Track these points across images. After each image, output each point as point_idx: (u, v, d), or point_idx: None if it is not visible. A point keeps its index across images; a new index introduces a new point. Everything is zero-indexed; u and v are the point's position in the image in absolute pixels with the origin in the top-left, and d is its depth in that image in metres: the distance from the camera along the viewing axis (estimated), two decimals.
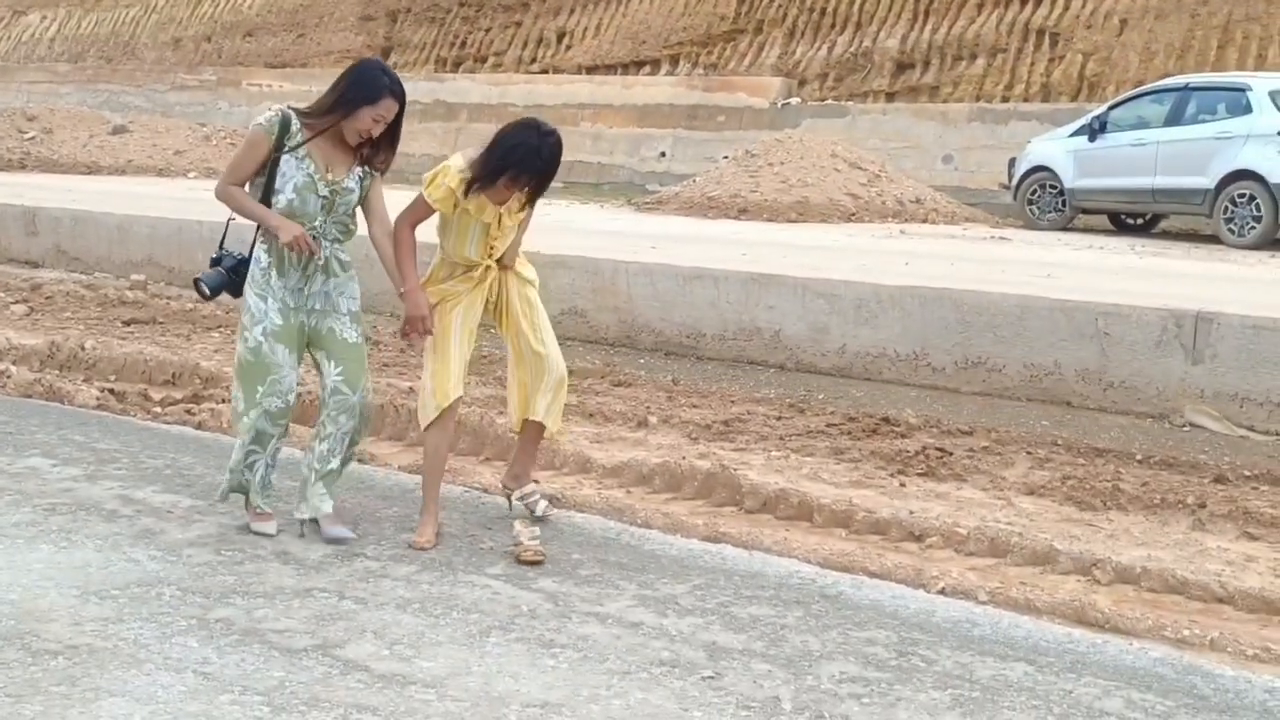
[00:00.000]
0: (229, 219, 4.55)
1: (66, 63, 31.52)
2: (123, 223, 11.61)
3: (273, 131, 4.30)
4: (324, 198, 4.35)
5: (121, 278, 11.02)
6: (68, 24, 33.23)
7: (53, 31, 33.32)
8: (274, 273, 4.35)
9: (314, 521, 4.49)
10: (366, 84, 4.29)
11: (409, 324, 4.47)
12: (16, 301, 9.78)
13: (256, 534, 4.46)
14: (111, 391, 6.79)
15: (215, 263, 4.49)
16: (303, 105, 4.44)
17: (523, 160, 4.33)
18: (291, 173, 4.31)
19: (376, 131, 4.31)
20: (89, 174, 18.67)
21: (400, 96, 4.32)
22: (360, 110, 4.27)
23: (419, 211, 4.49)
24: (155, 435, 5.96)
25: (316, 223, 4.36)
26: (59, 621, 3.61)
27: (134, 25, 32.02)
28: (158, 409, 6.54)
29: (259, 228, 4.38)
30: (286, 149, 4.30)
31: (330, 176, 4.36)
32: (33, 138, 20.32)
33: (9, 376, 6.94)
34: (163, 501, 4.82)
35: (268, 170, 4.31)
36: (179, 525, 4.55)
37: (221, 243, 4.58)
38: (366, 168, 4.44)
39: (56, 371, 7.32)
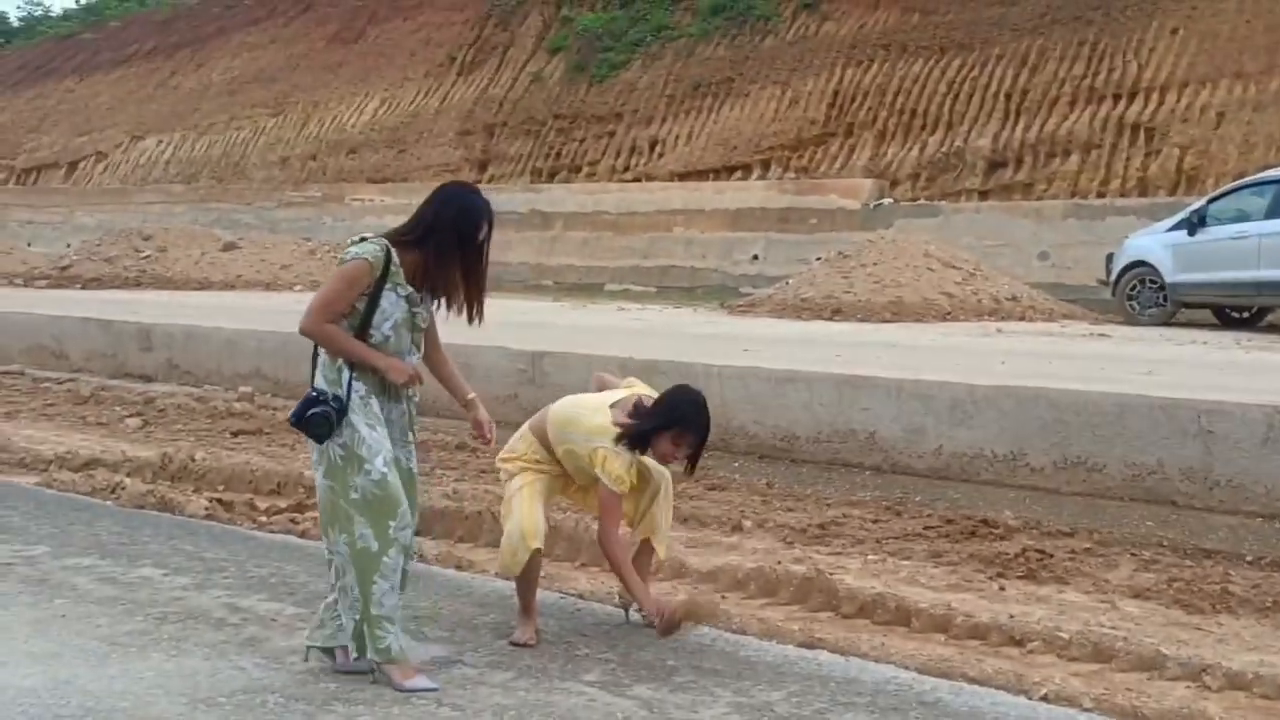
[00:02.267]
0: (315, 354, 4.21)
1: (181, 184, 32.91)
2: (232, 337, 12.02)
3: (379, 264, 4.07)
4: (415, 331, 4.21)
5: (230, 390, 11.37)
6: (182, 147, 34.75)
7: (168, 154, 34.86)
8: (372, 400, 4.14)
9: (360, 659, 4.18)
10: (471, 219, 4.14)
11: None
12: (131, 415, 10.15)
13: (418, 691, 4.04)
14: (220, 501, 6.99)
15: (315, 400, 4.10)
16: (378, 234, 4.22)
17: (691, 419, 4.55)
18: (391, 309, 4.11)
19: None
20: (200, 289, 19.38)
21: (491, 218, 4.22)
22: (467, 238, 4.13)
23: (613, 509, 4.56)
24: (261, 544, 6.11)
25: (410, 358, 4.22)
26: None
27: (244, 146, 33.38)
28: (263, 518, 6.71)
29: (322, 355, 4.13)
30: (390, 282, 4.09)
31: (421, 310, 4.21)
32: (148, 256, 21.18)
33: (123, 488, 7.18)
34: (268, 609, 4.93)
35: (365, 303, 4.09)
36: (282, 633, 4.65)
37: (313, 378, 4.21)
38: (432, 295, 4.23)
39: (168, 482, 7.56)
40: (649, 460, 4.79)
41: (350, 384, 4.09)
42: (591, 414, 4.59)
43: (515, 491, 4.65)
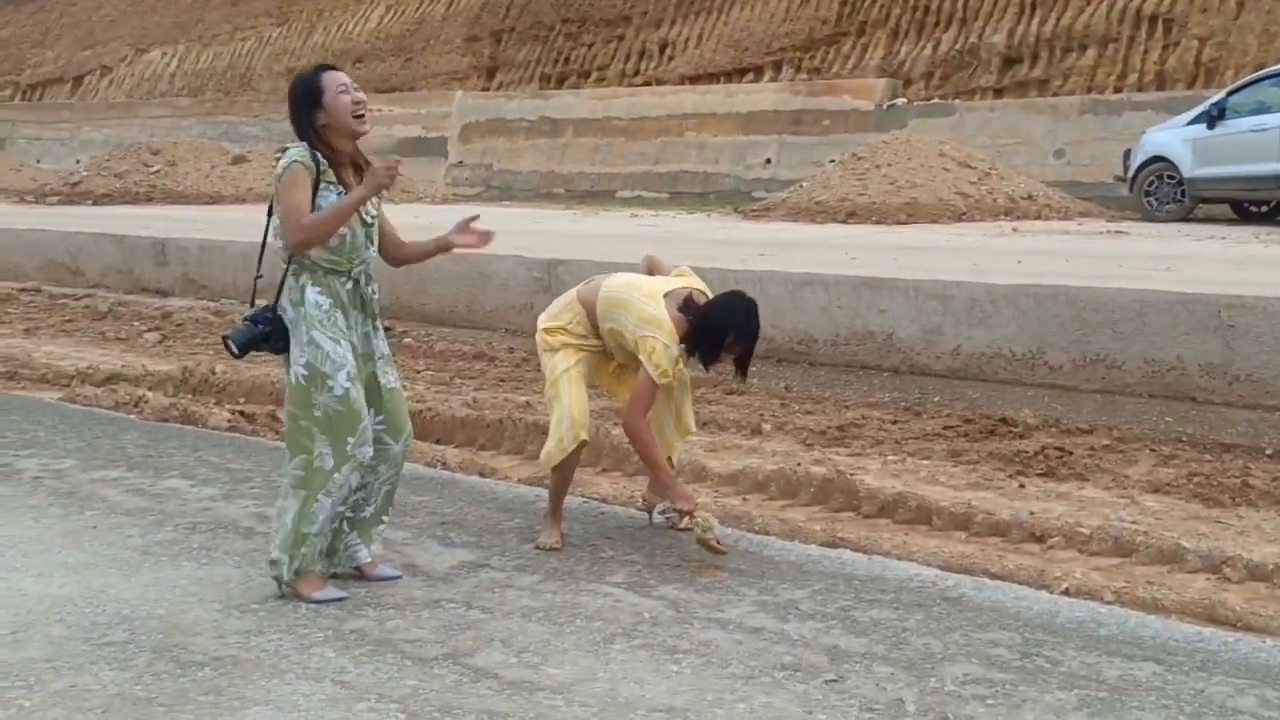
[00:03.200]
0: (256, 277, 4.29)
1: (187, 97, 32.62)
2: (246, 250, 11.97)
3: (310, 166, 4.01)
4: (368, 225, 4.13)
5: (246, 304, 11.37)
6: (187, 59, 34.39)
7: (173, 67, 34.51)
8: (339, 314, 4.07)
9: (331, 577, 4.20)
10: (306, 85, 4.05)
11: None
12: (149, 330, 10.19)
13: (321, 602, 4.04)
14: (242, 414, 7.04)
15: (249, 321, 4.11)
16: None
17: (741, 327, 4.56)
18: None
19: (360, 98, 4.06)
20: (211, 204, 19.33)
21: (329, 66, 4.14)
22: (328, 101, 4.01)
23: (648, 396, 4.56)
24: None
25: (366, 254, 4.14)
26: (204, 635, 3.77)
27: (249, 57, 33.02)
28: None
29: (287, 274, 4.06)
30: (325, 182, 4.04)
31: (366, 205, 4.11)
32: (157, 171, 21.09)
33: (146, 402, 7.23)
34: None
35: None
36: None
37: (253, 300, 4.23)
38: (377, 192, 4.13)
39: (190, 396, 7.61)
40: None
41: (314, 299, 4.04)
42: (644, 301, 4.56)
43: (561, 374, 4.64)
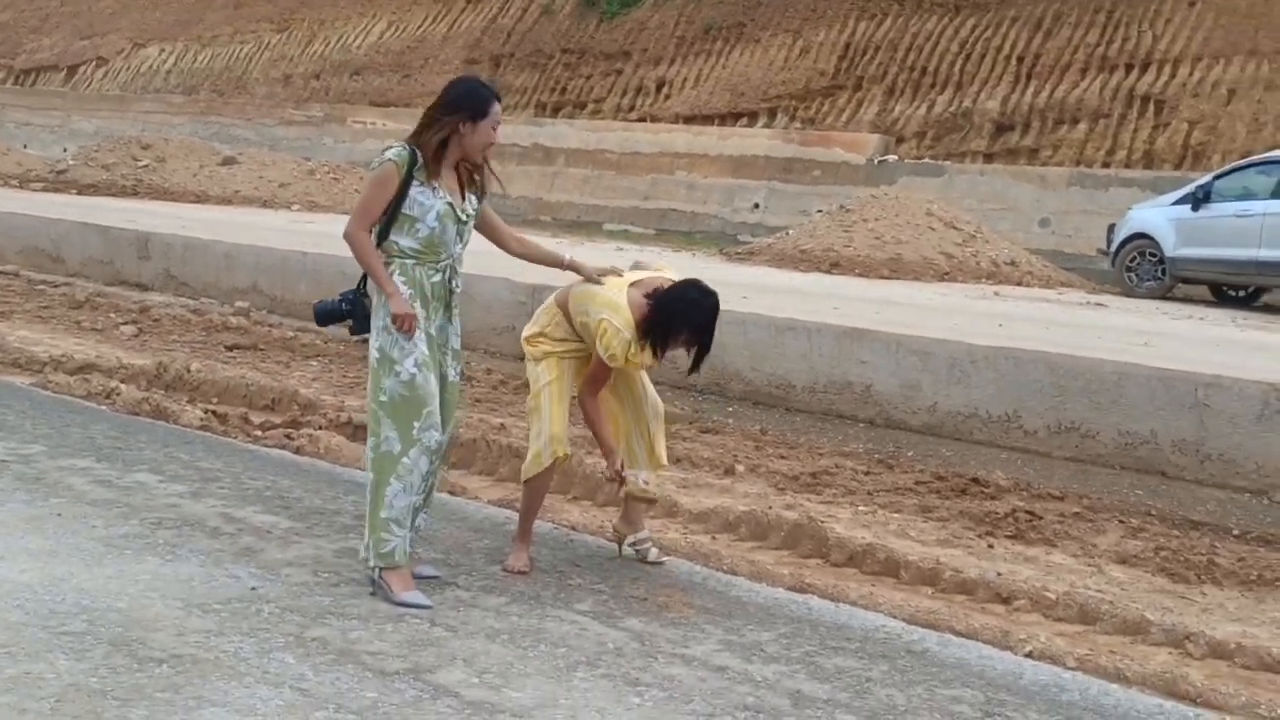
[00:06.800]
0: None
1: (181, 95, 32.55)
2: (230, 251, 11.95)
3: (403, 164, 4.19)
4: (461, 223, 4.31)
5: (226, 304, 11.33)
6: (184, 57, 34.35)
7: (169, 64, 34.46)
8: (417, 304, 4.24)
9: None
10: (474, 96, 4.27)
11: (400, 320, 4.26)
12: (126, 323, 10.11)
13: (412, 606, 4.10)
14: (214, 413, 6.99)
15: (338, 300, 4.41)
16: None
17: (687, 315, 4.53)
18: (430, 202, 4.21)
19: (498, 139, 4.32)
20: (197, 203, 19.21)
21: (498, 95, 4.37)
22: (480, 123, 4.24)
23: (602, 375, 4.61)
24: (256, 457, 6.12)
25: (456, 250, 4.33)
26: (164, 631, 3.73)
27: (247, 61, 33.01)
28: (258, 432, 6.71)
29: (391, 259, 4.25)
30: (417, 180, 4.21)
31: (463, 203, 4.32)
32: (146, 166, 20.99)
33: (118, 394, 7.17)
34: (263, 522, 4.95)
35: (392, 207, 4.21)
36: (278, 545, 4.66)
37: (361, 284, 4.41)
38: (473, 193, 4.38)
39: (163, 391, 7.54)
40: (650, 388, 4.80)
41: (363, 285, 4.31)
42: (609, 290, 4.57)
43: (543, 388, 4.64)
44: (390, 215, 4.23)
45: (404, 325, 4.18)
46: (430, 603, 4.15)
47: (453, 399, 4.44)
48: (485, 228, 4.53)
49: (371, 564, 4.21)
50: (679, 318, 4.53)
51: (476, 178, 4.39)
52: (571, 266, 4.63)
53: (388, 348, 4.19)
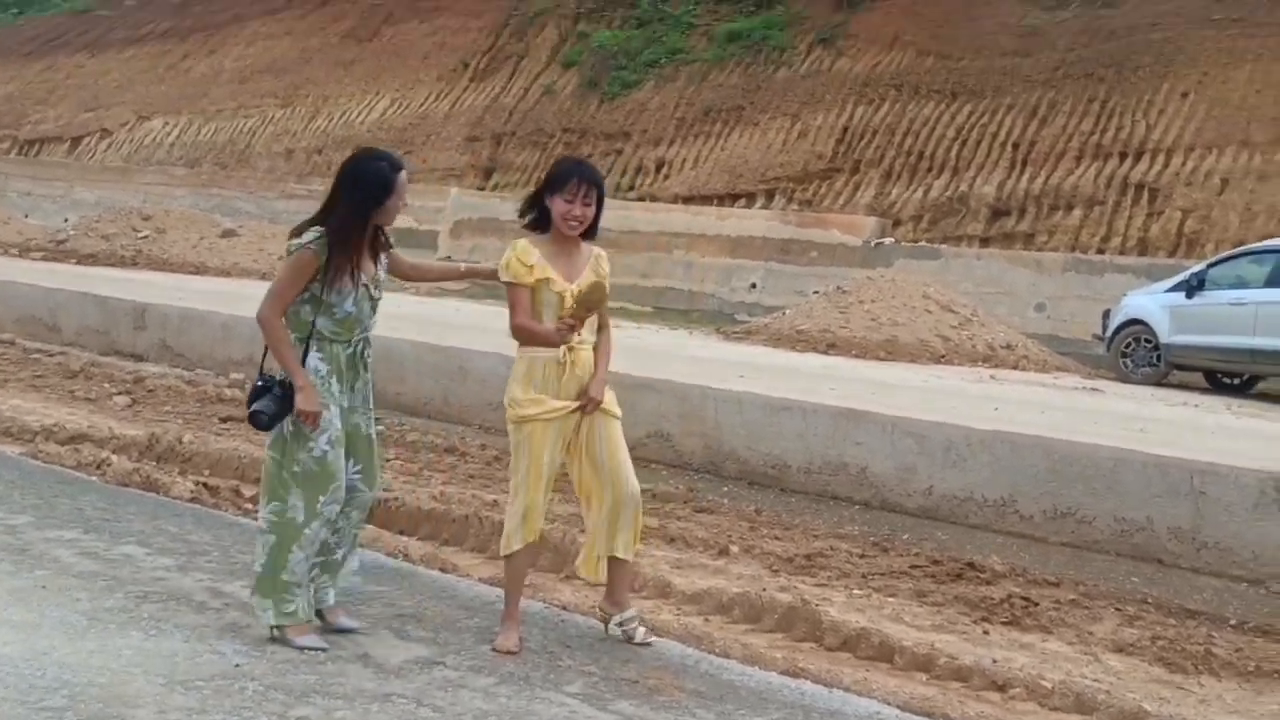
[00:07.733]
0: (267, 347, 4.48)
1: (184, 167, 32.81)
2: (227, 322, 11.95)
3: (322, 253, 4.31)
4: (374, 300, 4.48)
5: (221, 376, 11.31)
6: (188, 130, 34.66)
7: (173, 137, 34.77)
8: (333, 380, 4.40)
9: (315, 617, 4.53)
10: (379, 179, 4.36)
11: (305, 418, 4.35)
12: (120, 393, 10.09)
13: (308, 649, 4.30)
14: (206, 485, 6.94)
15: (263, 389, 4.36)
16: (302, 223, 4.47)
17: (561, 171, 4.61)
18: (348, 289, 4.36)
19: (406, 203, 4.49)
20: (196, 274, 19.26)
21: (401, 166, 4.46)
22: (388, 203, 4.38)
23: (518, 307, 4.61)
24: (245, 531, 6.04)
25: (370, 324, 4.50)
26: (145, 708, 3.66)
27: (250, 135, 33.32)
28: (249, 505, 6.65)
29: (309, 339, 4.37)
30: (330, 271, 4.33)
31: (373, 277, 4.47)
32: (146, 236, 21.07)
33: (109, 465, 7.12)
34: (249, 597, 4.88)
35: (310, 290, 4.33)
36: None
37: (261, 367, 4.51)
38: (383, 255, 4.56)
39: (154, 463, 7.50)
40: (631, 478, 4.71)
41: (314, 365, 4.38)
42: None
43: (526, 470, 4.57)
44: (312, 299, 4.36)
45: (307, 420, 4.29)
46: (326, 645, 4.32)
47: (373, 457, 4.58)
48: (400, 271, 4.73)
49: (274, 623, 4.35)
50: (562, 174, 4.61)
51: (381, 237, 4.54)
52: (470, 272, 4.79)
53: (295, 423, 4.33)
